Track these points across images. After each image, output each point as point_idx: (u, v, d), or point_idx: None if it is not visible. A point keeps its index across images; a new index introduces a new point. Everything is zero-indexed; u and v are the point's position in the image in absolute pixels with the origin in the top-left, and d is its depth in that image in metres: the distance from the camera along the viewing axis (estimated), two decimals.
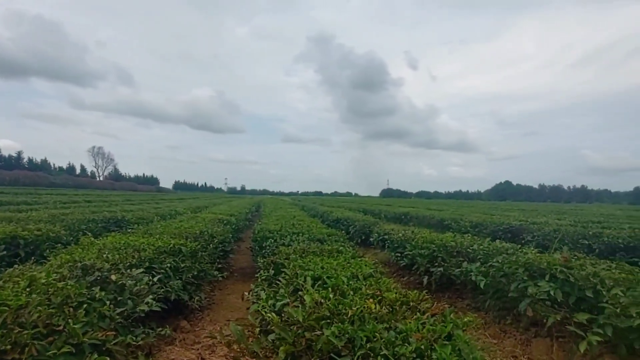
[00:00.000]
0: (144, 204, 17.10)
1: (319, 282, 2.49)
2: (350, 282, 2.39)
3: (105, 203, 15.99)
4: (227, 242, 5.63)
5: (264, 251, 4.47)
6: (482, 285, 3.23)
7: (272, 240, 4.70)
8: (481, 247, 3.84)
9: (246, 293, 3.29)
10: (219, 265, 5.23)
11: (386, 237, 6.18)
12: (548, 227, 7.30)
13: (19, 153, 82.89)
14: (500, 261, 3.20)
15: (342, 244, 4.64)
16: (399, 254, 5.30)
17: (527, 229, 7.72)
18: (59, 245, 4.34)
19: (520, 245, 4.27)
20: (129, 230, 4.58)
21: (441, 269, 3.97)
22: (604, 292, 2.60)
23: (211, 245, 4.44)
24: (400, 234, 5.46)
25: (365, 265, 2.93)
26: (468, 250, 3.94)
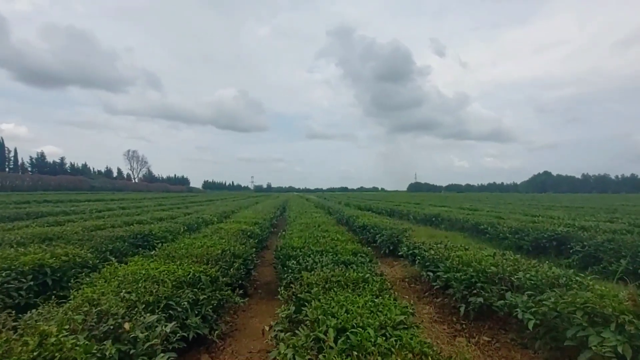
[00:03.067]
0: (174, 208, 17.60)
1: (343, 334, 2.23)
2: (378, 338, 2.11)
3: (138, 209, 16.62)
4: (250, 260, 5.50)
5: (286, 275, 4.28)
6: (530, 327, 2.83)
7: (295, 262, 4.49)
8: (528, 275, 3.40)
9: (266, 327, 3.15)
10: (242, 283, 5.11)
11: (416, 251, 5.80)
12: (600, 236, 6.57)
13: (62, 159, 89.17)
14: (553, 300, 2.78)
15: (369, 267, 4.35)
16: (431, 272, 4.92)
17: (575, 237, 7.01)
18: (85, 270, 4.39)
19: (572, 269, 3.77)
20: (152, 253, 4.54)
21: (481, 299, 3.57)
22: None
23: (232, 269, 4.30)
24: (432, 252, 5.07)
25: (394, 307, 2.63)
26: (512, 278, 3.51)
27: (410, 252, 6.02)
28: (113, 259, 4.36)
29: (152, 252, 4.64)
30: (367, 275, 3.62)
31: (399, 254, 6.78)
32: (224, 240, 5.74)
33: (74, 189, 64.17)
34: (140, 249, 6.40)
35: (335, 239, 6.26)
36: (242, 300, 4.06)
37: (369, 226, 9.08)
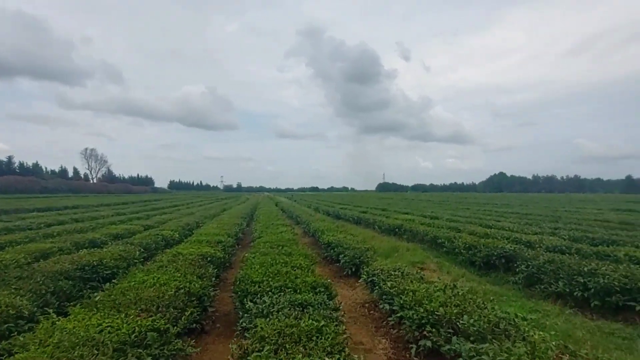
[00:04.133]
0: (133, 220, 16.75)
1: None
2: None
3: (93, 221, 15.60)
4: (207, 295, 5.35)
5: (242, 321, 4.22)
6: None
7: (252, 303, 4.44)
8: (471, 321, 3.59)
9: None
10: (196, 326, 4.94)
11: (375, 279, 5.94)
12: (542, 256, 7.08)
13: (10, 158, 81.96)
14: (491, 354, 2.95)
15: (327, 305, 4.39)
16: (388, 304, 5.06)
17: (520, 256, 7.50)
18: (20, 322, 4.05)
19: (517, 288, 4.02)
20: (97, 299, 4.26)
21: (429, 342, 3.72)
22: None
23: (184, 318, 4.14)
24: (389, 283, 5.22)
25: None
26: (457, 323, 3.69)
27: (370, 279, 6.15)
28: (52, 309, 4.04)
29: (97, 298, 4.36)
30: (322, 324, 3.65)
31: (360, 279, 6.90)
32: (179, 274, 5.54)
33: (24, 190, 59.05)
34: (88, 283, 6.02)
35: (298, 265, 6.26)
36: (194, 350, 3.94)
37: (333, 244, 9.19)
